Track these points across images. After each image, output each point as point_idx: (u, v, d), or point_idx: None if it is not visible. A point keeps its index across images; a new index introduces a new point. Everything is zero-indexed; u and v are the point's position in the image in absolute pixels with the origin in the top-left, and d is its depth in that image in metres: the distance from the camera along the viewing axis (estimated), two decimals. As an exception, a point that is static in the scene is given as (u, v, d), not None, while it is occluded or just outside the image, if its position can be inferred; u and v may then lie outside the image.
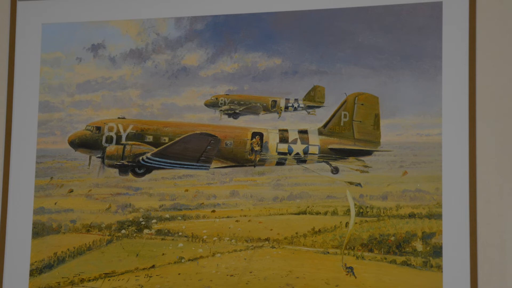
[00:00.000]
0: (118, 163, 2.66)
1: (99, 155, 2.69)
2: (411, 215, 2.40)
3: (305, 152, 2.56)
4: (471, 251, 2.30)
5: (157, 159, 2.63)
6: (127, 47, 2.72)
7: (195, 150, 2.61)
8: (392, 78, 2.47)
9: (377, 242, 2.42)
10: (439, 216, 2.37)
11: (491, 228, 2.32)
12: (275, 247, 2.50)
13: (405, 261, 2.39)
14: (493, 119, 2.36)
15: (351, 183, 2.48)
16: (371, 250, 2.42)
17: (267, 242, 2.51)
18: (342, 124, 2.56)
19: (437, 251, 2.36)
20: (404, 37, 2.47)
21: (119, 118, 2.69)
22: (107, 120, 2.70)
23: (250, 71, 2.60)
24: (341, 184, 2.48)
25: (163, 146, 2.64)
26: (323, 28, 2.54)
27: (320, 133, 2.56)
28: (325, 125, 2.56)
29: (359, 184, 2.47)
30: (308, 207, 2.50)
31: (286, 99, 2.58)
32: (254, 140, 2.61)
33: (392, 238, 2.41)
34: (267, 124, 2.61)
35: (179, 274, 2.56)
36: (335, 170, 2.51)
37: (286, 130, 2.59)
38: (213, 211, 2.57)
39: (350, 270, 2.42)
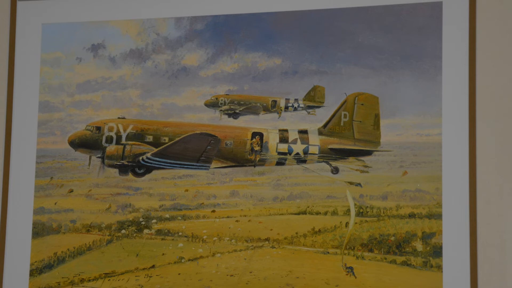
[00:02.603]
0: (118, 163, 2.66)
1: (99, 155, 2.69)
2: (411, 215, 2.40)
3: (305, 152, 2.56)
4: (471, 251, 2.30)
5: (157, 159, 2.63)
6: (127, 47, 2.72)
7: (195, 150, 2.61)
8: (392, 78, 2.47)
9: (377, 242, 2.42)
10: (439, 216, 2.37)
11: (491, 228, 2.32)
12: (275, 247, 2.50)
13: (405, 261, 2.38)
14: (493, 119, 2.36)
15: (351, 183, 2.47)
16: (371, 250, 2.42)
17: (267, 242, 2.51)
18: (342, 124, 2.56)
19: (437, 251, 2.36)
20: (404, 37, 2.47)
21: (119, 118, 2.69)
22: (107, 120, 2.70)
23: (250, 71, 2.60)
24: (341, 184, 2.48)
25: (163, 146, 2.64)
26: (323, 28, 2.54)
27: (320, 133, 2.56)
28: (325, 125, 2.56)
29: (359, 184, 2.47)
30: (308, 207, 2.49)
31: (286, 99, 2.58)
32: (254, 140, 2.61)
33: (392, 238, 2.41)
34: (267, 124, 2.60)
35: (179, 274, 2.56)
36: (335, 170, 2.51)
37: (286, 130, 2.59)
38: (213, 211, 2.57)
39: (350, 270, 2.42)
